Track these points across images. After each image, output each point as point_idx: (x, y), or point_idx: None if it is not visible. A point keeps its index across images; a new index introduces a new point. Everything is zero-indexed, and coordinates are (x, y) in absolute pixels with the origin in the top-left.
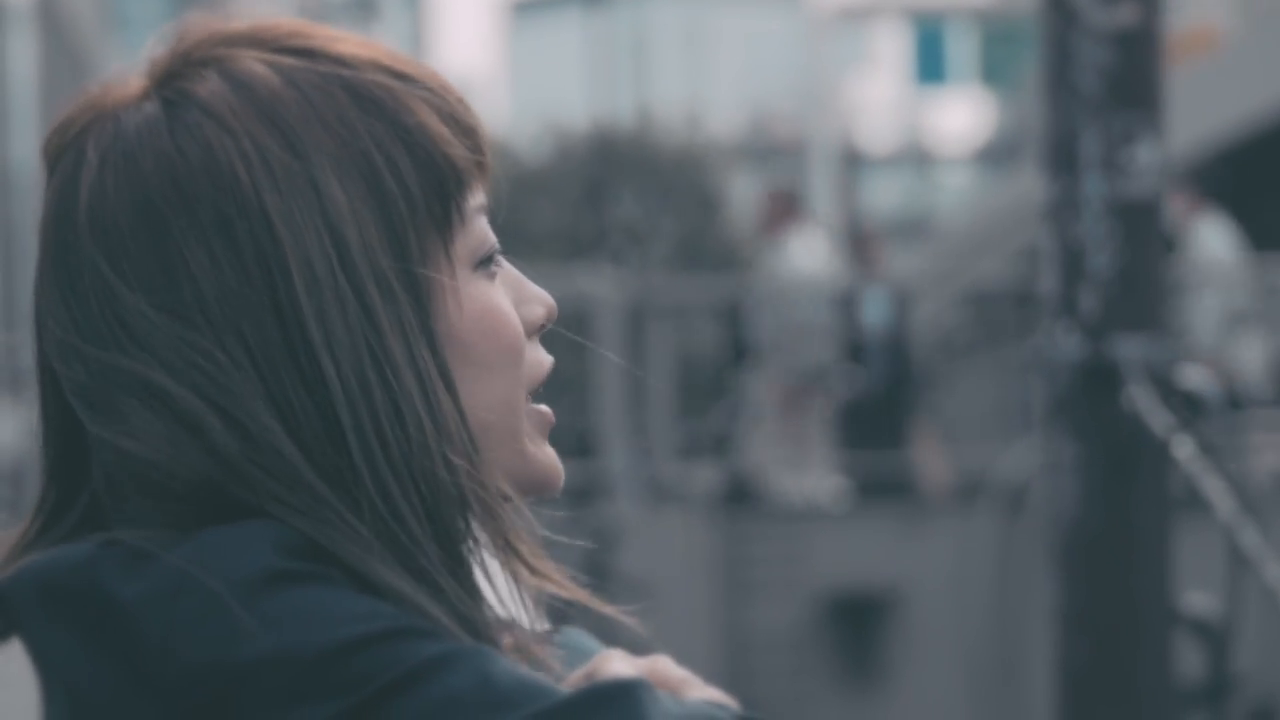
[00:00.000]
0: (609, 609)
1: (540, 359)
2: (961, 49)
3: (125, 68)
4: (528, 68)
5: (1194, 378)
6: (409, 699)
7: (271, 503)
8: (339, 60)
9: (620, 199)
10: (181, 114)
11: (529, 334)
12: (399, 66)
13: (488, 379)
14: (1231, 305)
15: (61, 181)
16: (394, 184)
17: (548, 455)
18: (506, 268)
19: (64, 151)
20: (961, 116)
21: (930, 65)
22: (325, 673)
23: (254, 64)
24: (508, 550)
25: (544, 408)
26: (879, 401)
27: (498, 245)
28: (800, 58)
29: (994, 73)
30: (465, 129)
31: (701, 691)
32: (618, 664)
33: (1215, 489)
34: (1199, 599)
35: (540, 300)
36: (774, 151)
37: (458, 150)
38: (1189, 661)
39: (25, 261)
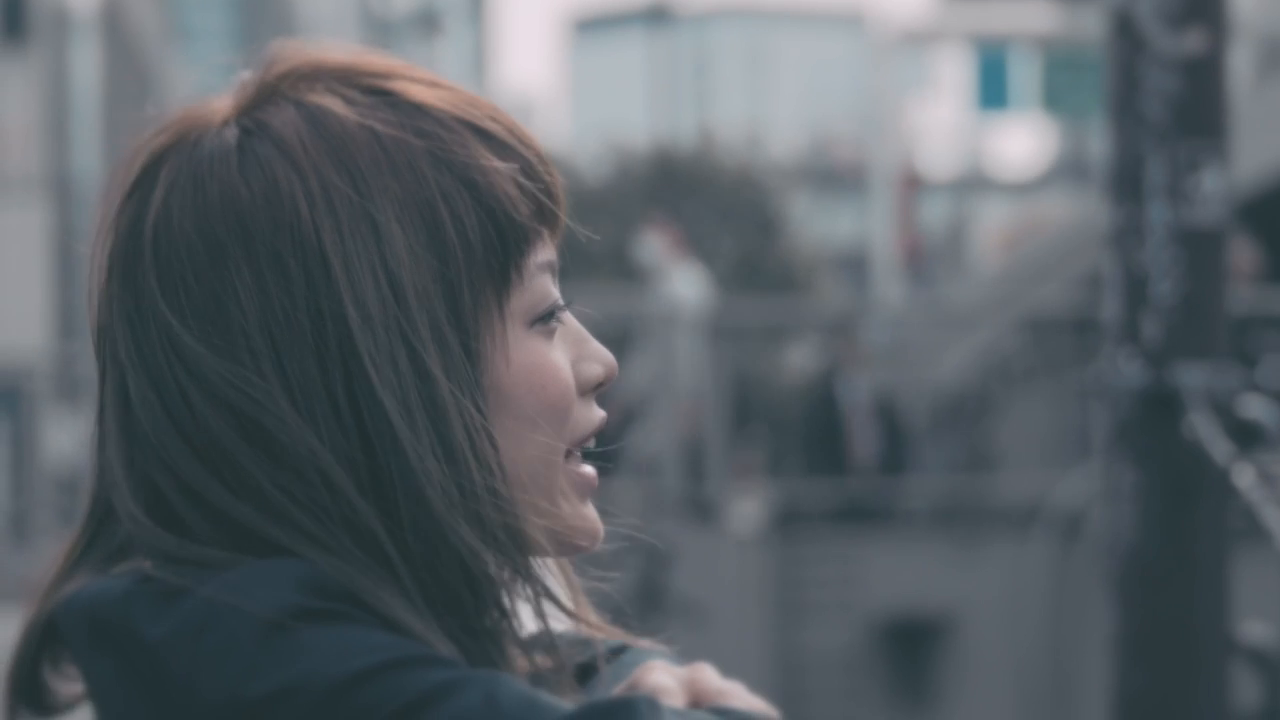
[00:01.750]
0: (644, 641)
1: (589, 416)
2: (1023, 75)
3: (198, 87)
4: (589, 86)
5: (1256, 407)
6: None
7: (298, 540)
8: (418, 108)
9: (680, 218)
10: (254, 145)
11: (584, 391)
12: (478, 121)
13: (529, 433)
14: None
15: (137, 199)
16: (455, 236)
17: (585, 516)
18: (570, 324)
19: (145, 168)
20: (1023, 143)
21: (992, 91)
22: (334, 704)
23: (334, 102)
24: (544, 594)
25: (588, 469)
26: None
27: (560, 302)
28: (862, 81)
29: (1055, 100)
30: (539, 185)
31: (744, 701)
32: (658, 675)
33: (1275, 519)
34: (1257, 629)
35: (600, 359)
36: (833, 174)
37: (523, 210)
38: (1246, 691)
39: (82, 271)
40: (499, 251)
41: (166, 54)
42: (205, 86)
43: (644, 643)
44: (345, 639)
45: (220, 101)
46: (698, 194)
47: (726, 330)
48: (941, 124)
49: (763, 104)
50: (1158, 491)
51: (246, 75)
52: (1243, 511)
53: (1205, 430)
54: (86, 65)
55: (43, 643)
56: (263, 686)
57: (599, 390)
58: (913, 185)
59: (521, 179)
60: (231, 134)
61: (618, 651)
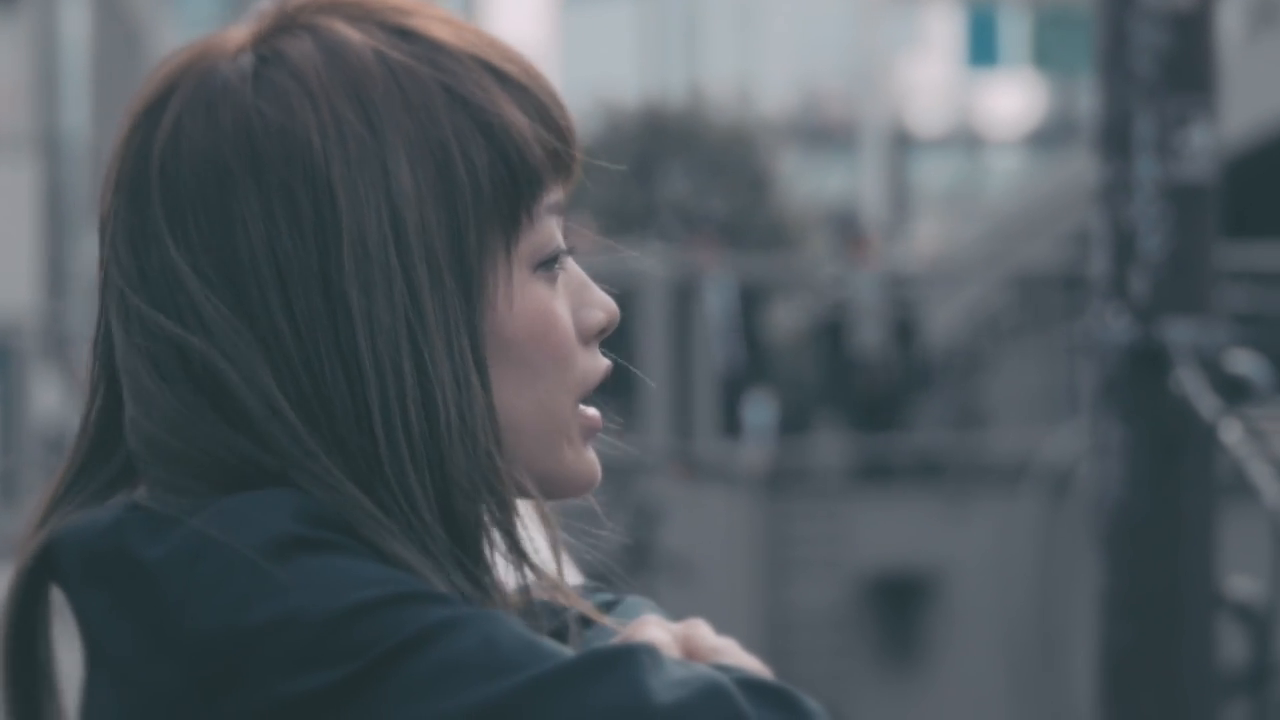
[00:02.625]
0: (606, 620)
1: (594, 365)
2: (1013, 32)
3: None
4: (579, 43)
5: (1243, 362)
6: (413, 663)
7: (294, 469)
8: (436, 45)
9: (670, 176)
10: (270, 73)
11: (585, 339)
12: (495, 61)
13: (530, 380)
14: None
15: (147, 124)
16: (465, 175)
17: (585, 461)
18: (572, 270)
19: (158, 93)
20: (1012, 99)
21: (982, 48)
22: (331, 637)
23: (352, 34)
24: (516, 553)
25: (591, 411)
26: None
27: (564, 247)
28: (852, 38)
29: (1045, 56)
30: (555, 129)
31: (737, 658)
32: (651, 630)
33: (1262, 474)
34: (1243, 584)
35: (602, 306)
36: (824, 131)
37: (536, 152)
38: (1231, 646)
39: (72, 229)
40: (509, 193)
41: (156, 12)
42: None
43: (606, 620)
44: (342, 570)
45: (237, 31)
46: (688, 151)
47: (715, 288)
48: (932, 81)
49: (753, 61)
50: (1145, 447)
51: (265, 5)
52: (1229, 466)
53: (1192, 386)
54: (76, 24)
55: (36, 581)
56: (258, 616)
57: (601, 337)
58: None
59: (536, 122)
60: (247, 61)
61: (609, 605)
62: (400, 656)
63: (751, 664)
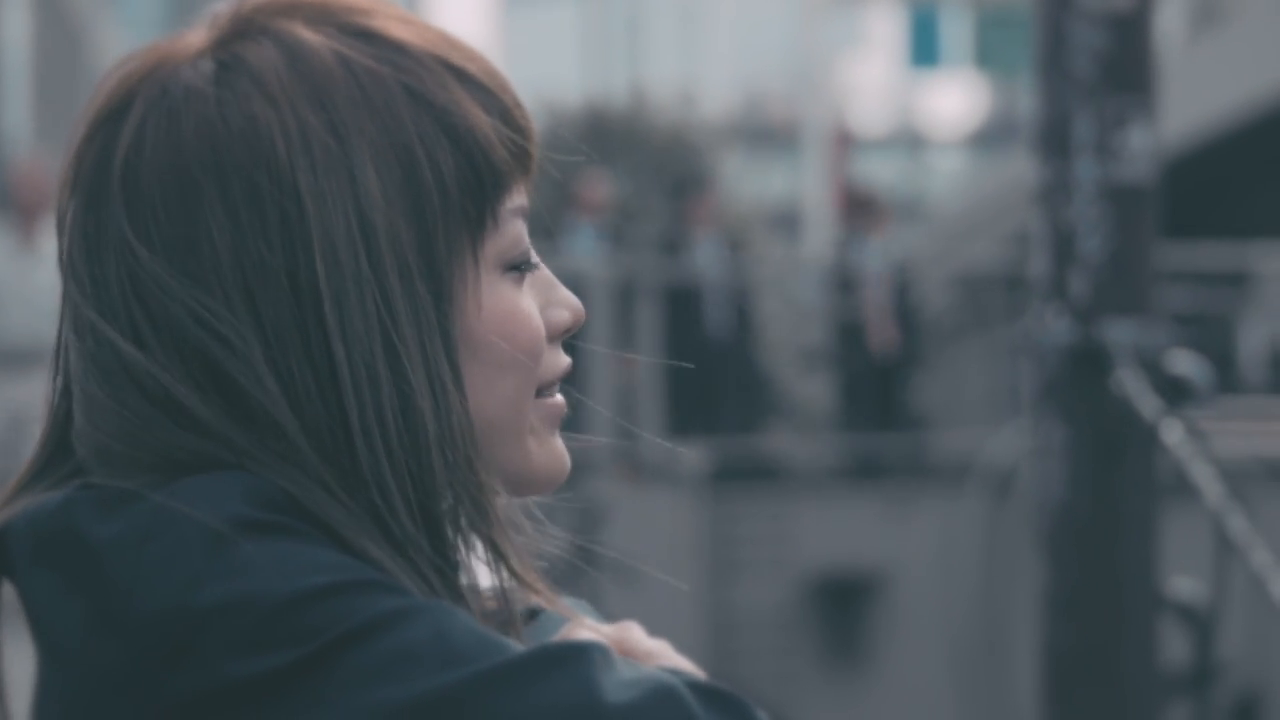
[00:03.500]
0: (572, 613)
1: (556, 362)
2: (955, 33)
3: (129, 47)
4: (522, 43)
5: (1183, 363)
6: (362, 651)
7: (251, 463)
8: (398, 47)
9: (612, 176)
10: (231, 79)
11: (552, 338)
12: (457, 61)
13: (499, 379)
14: None
15: (106, 131)
16: (431, 179)
17: (553, 450)
18: (540, 270)
19: (115, 99)
20: (954, 100)
21: (924, 48)
22: (281, 622)
23: (311, 38)
24: (496, 554)
25: (557, 398)
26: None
27: (530, 249)
28: (794, 39)
29: (987, 57)
30: (515, 129)
31: (671, 661)
32: (585, 633)
33: (1203, 474)
34: (1185, 584)
35: (568, 305)
36: (766, 132)
37: (501, 154)
38: (1174, 647)
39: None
40: (475, 196)
41: (97, 13)
42: (136, 47)
43: (564, 604)
44: (294, 555)
45: (193, 34)
46: (630, 151)
47: (657, 289)
48: (874, 81)
49: (695, 62)
50: (1086, 448)
51: (220, 8)
52: (1170, 467)
53: (1133, 386)
54: (16, 25)
55: None
56: (207, 598)
57: (567, 335)
58: (845, 143)
59: (498, 122)
60: (208, 67)
61: (535, 611)
62: (350, 643)
63: (686, 666)
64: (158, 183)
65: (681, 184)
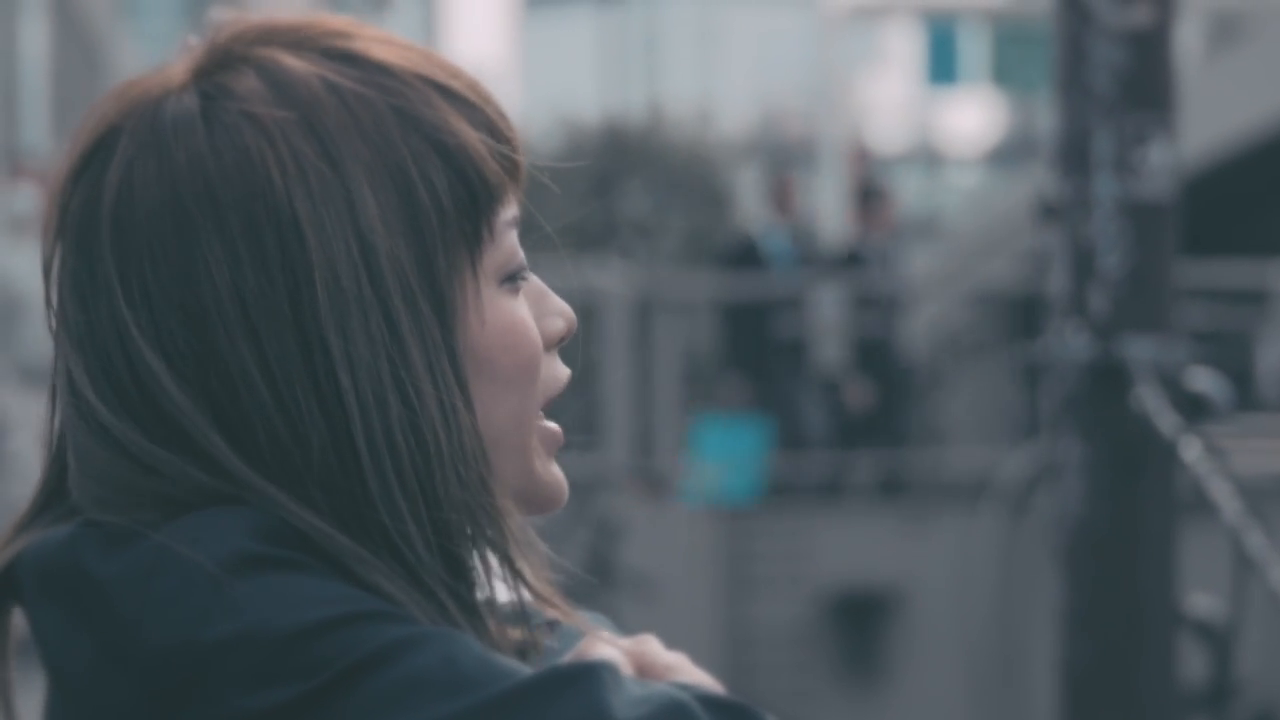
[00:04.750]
0: (590, 626)
1: (556, 373)
2: (973, 50)
3: (146, 61)
4: (540, 60)
5: (1202, 379)
6: (371, 681)
7: (255, 498)
8: (381, 68)
9: (629, 193)
10: (219, 111)
11: (548, 347)
12: (441, 78)
13: (503, 394)
14: None
15: (92, 172)
16: (427, 198)
17: (553, 474)
18: (532, 280)
19: (98, 139)
20: (972, 117)
21: (941, 66)
22: (288, 655)
23: (295, 65)
24: (513, 572)
25: (554, 426)
26: None
27: (524, 261)
28: (812, 56)
29: (1005, 74)
30: (505, 142)
31: (689, 675)
32: (602, 646)
33: (1221, 491)
34: (1203, 601)
35: (562, 314)
36: (783, 149)
37: (492, 167)
38: (1192, 664)
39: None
40: (471, 211)
41: (114, 27)
42: (154, 61)
43: (581, 618)
44: (300, 588)
45: (173, 68)
46: (647, 168)
47: (675, 305)
48: (891, 98)
49: (713, 78)
50: (1105, 464)
51: (194, 40)
52: (1189, 484)
53: (1152, 403)
54: (34, 40)
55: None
56: (215, 632)
57: (562, 344)
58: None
59: (487, 136)
60: (192, 99)
61: (553, 624)
62: (359, 674)
63: (704, 680)
64: (150, 221)
65: (864, 195)
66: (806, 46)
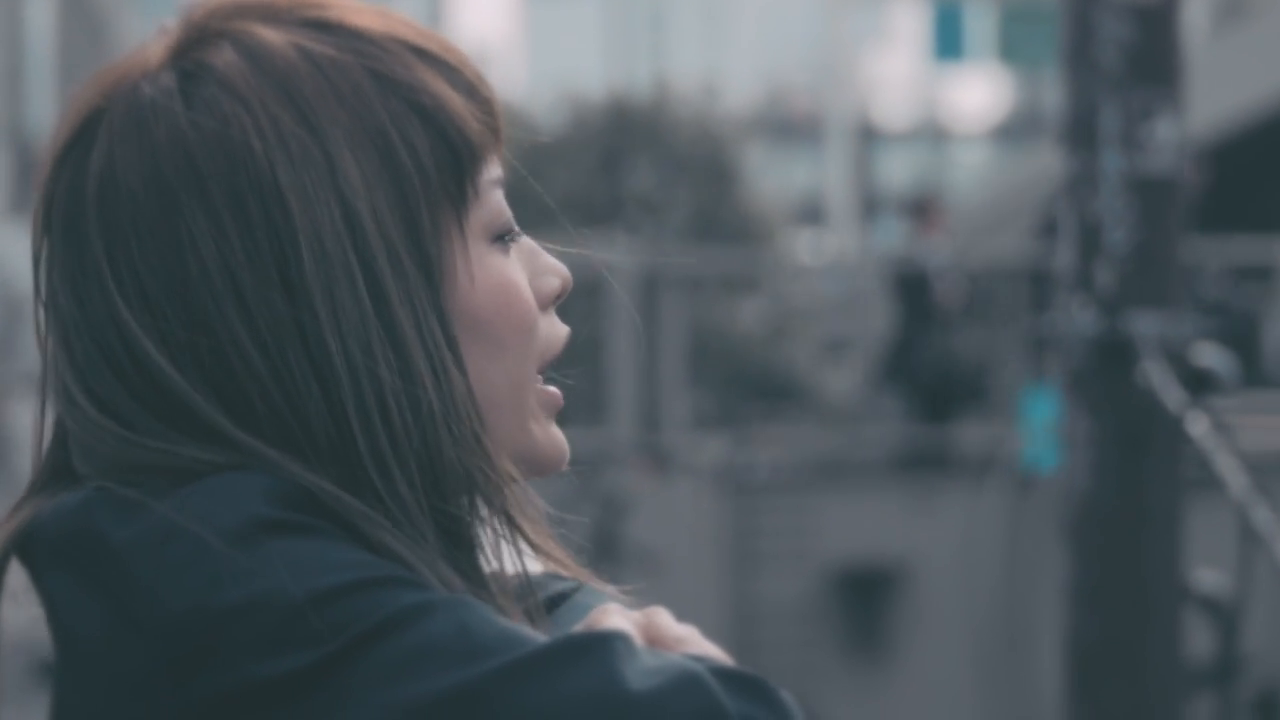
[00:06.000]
0: (608, 586)
1: (555, 332)
2: (979, 26)
3: (145, 38)
4: (545, 36)
5: (1208, 355)
6: (385, 647)
7: (260, 465)
8: (356, 33)
9: (635, 169)
10: (197, 86)
11: (544, 306)
12: (416, 40)
13: (499, 355)
14: None
15: (76, 156)
16: (408, 159)
17: (553, 436)
18: (522, 240)
19: (81, 124)
20: (978, 94)
21: (948, 42)
22: (303, 620)
23: (270, 36)
24: (511, 527)
25: (553, 389)
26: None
27: (512, 219)
28: (818, 32)
29: (1011, 50)
30: (481, 102)
31: (699, 647)
32: (613, 618)
33: (1228, 466)
34: (1209, 576)
35: (555, 272)
36: (790, 125)
37: (473, 126)
38: (1198, 639)
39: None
40: (454, 171)
41: (121, 6)
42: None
43: (587, 574)
44: (314, 554)
45: (150, 49)
46: (653, 144)
47: (681, 281)
48: (897, 75)
49: (718, 55)
50: (1111, 439)
51: (170, 22)
52: (1196, 460)
53: (1158, 378)
54: (40, 20)
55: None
56: (229, 597)
57: (557, 302)
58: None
59: (465, 97)
60: (170, 78)
61: (563, 595)
62: (372, 640)
63: (714, 652)
64: (132, 202)
65: (918, 202)
66: (812, 22)
